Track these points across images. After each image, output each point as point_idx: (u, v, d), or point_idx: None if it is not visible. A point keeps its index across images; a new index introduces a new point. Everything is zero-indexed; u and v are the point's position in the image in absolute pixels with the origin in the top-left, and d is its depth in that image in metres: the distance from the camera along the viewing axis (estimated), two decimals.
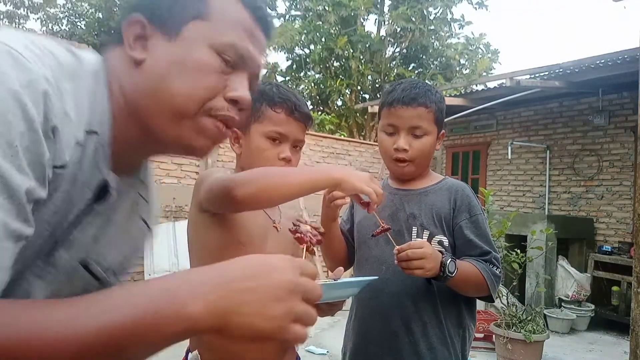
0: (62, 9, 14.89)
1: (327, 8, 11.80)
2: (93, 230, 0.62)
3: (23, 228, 0.47)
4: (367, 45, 12.20)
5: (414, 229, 1.36)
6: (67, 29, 14.73)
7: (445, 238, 1.34)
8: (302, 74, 13.20)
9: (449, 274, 1.21)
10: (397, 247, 1.21)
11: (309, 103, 14.25)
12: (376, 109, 2.26)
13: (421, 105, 1.32)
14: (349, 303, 1.44)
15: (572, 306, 5.56)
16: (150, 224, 0.76)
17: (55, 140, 0.51)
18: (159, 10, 0.62)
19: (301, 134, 1.23)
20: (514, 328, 4.07)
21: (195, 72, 0.60)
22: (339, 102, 12.95)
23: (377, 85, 12.46)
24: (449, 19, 12.35)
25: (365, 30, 12.51)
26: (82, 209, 0.59)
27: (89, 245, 0.63)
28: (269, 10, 0.67)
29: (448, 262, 1.21)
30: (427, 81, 12.54)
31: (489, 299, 1.35)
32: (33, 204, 0.49)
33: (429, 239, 1.34)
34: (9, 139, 0.45)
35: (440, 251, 1.28)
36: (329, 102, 12.75)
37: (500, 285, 1.39)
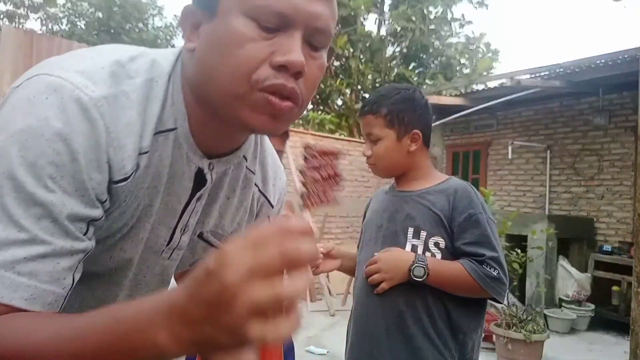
0: (62, 9, 14.90)
1: None
2: (203, 210, 0.71)
3: (75, 244, 0.54)
4: (367, 45, 12.20)
5: (410, 230, 1.37)
6: (67, 29, 14.74)
7: (441, 240, 1.34)
8: None
9: (416, 279, 1.29)
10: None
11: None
12: None
13: (368, 114, 1.42)
14: (349, 303, 1.47)
15: (573, 306, 5.56)
16: (269, 194, 0.80)
17: (112, 159, 0.56)
18: None
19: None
20: (514, 328, 4.07)
21: (231, 46, 0.55)
22: (339, 102, 12.96)
23: (377, 85, 12.45)
24: (449, 19, 12.35)
25: (366, 30, 12.50)
26: (188, 198, 0.68)
27: (202, 222, 0.72)
28: None
29: (413, 267, 1.29)
30: (427, 81, 12.53)
31: (495, 299, 1.34)
32: (89, 221, 0.56)
33: (426, 240, 1.35)
34: (51, 172, 0.52)
35: (434, 254, 1.34)
36: (329, 101, 12.75)
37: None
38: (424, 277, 1.29)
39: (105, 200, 0.58)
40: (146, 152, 0.60)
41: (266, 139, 0.80)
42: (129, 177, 0.59)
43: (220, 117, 0.61)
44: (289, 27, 0.55)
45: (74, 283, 0.56)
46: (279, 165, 0.84)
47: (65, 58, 0.60)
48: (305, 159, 0.79)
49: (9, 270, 0.50)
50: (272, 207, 0.83)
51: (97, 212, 0.57)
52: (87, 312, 0.51)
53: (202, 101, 0.62)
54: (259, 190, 0.79)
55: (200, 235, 0.75)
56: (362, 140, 1.46)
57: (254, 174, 0.77)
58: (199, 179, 0.67)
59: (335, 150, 0.77)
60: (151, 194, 0.64)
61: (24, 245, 0.50)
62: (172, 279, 0.82)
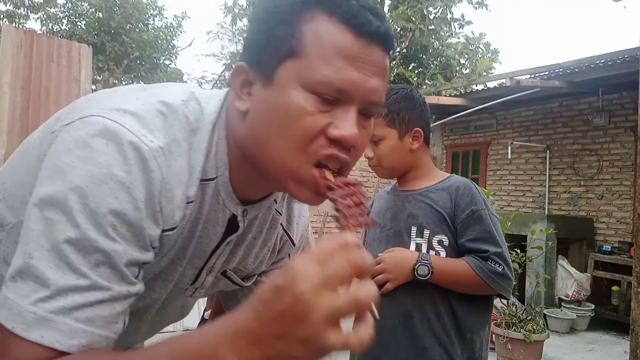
0: (62, 9, 14.90)
1: None
2: (231, 251, 0.73)
3: (130, 288, 0.55)
4: None
5: (413, 229, 1.38)
6: (67, 29, 14.74)
7: (445, 237, 1.34)
8: None
9: (421, 277, 1.29)
10: None
11: None
12: None
13: None
14: None
15: (572, 306, 5.56)
16: (292, 233, 0.82)
17: (164, 209, 0.57)
18: (257, 55, 0.59)
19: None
20: (513, 328, 4.07)
21: (288, 118, 0.56)
22: None
23: None
24: (449, 19, 12.34)
25: None
26: (218, 242, 0.69)
27: (227, 262, 0.74)
28: (380, 19, 0.57)
29: (417, 266, 1.29)
30: (427, 81, 12.53)
31: (502, 296, 1.34)
32: (140, 265, 0.57)
33: (429, 238, 1.35)
34: (112, 220, 0.52)
35: (438, 252, 1.33)
36: None
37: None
38: (429, 276, 1.29)
39: (156, 247, 0.59)
40: (192, 202, 0.61)
41: None
42: (177, 226, 0.60)
43: (266, 176, 0.62)
44: (346, 102, 0.57)
45: (125, 327, 0.56)
46: (304, 205, 0.83)
47: (113, 96, 0.59)
48: (330, 188, 0.80)
49: (67, 316, 0.50)
50: (294, 245, 0.83)
51: (150, 257, 0.58)
52: (114, 347, 0.53)
53: (251, 160, 0.62)
54: (284, 229, 0.80)
55: (224, 273, 0.76)
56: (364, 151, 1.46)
57: (281, 214, 0.78)
58: (231, 225, 0.68)
59: (356, 182, 0.80)
60: (186, 238, 0.64)
61: (83, 292, 0.50)
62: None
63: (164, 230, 0.58)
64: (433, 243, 1.35)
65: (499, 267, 1.29)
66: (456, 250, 1.34)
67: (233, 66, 0.62)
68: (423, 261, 1.30)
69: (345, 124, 0.56)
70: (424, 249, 1.35)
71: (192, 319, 2.33)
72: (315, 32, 0.56)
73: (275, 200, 0.74)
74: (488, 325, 1.41)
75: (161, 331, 0.82)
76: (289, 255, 0.84)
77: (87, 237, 0.51)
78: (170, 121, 0.58)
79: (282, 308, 0.40)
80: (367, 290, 0.41)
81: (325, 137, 0.56)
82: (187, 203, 0.60)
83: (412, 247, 1.36)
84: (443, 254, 1.34)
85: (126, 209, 0.53)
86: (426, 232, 1.36)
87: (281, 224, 0.79)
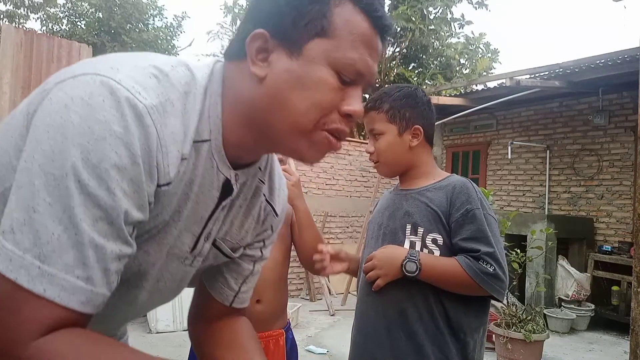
0: (62, 9, 14.90)
1: None
2: (222, 219, 0.75)
3: (123, 248, 0.56)
4: None
5: (408, 227, 1.38)
6: (67, 29, 14.74)
7: (439, 236, 1.34)
8: None
9: (409, 274, 1.30)
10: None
11: None
12: None
13: (371, 110, 1.46)
14: (349, 303, 1.48)
15: (572, 306, 5.56)
16: (275, 204, 0.84)
17: (160, 164, 0.59)
18: (283, 26, 0.63)
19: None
20: (513, 328, 4.07)
21: (314, 91, 0.62)
22: None
23: (377, 85, 12.46)
24: (449, 19, 12.33)
25: None
26: (214, 207, 0.71)
27: (218, 230, 0.76)
28: (387, 15, 0.66)
29: (405, 262, 1.30)
30: (427, 81, 12.51)
31: (494, 297, 1.32)
32: (135, 224, 0.58)
33: (423, 236, 1.36)
34: (113, 174, 0.53)
35: (432, 251, 1.35)
36: None
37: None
38: (417, 273, 1.29)
39: (151, 203, 0.60)
40: (185, 159, 0.63)
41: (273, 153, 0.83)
42: (172, 182, 0.62)
43: (270, 141, 0.67)
44: (358, 82, 0.65)
45: (117, 283, 0.58)
46: (283, 177, 0.88)
47: (105, 60, 0.60)
48: None
49: (69, 273, 0.51)
50: (277, 216, 0.86)
51: (145, 215, 0.59)
52: (109, 314, 0.55)
53: (256, 124, 0.66)
54: (266, 199, 0.82)
55: (213, 243, 0.77)
56: (362, 140, 1.47)
57: (264, 183, 0.81)
58: (225, 189, 0.71)
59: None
60: (181, 200, 0.66)
61: (83, 249, 0.52)
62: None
63: (159, 186, 0.60)
64: (427, 241, 1.35)
65: (490, 267, 1.27)
66: (451, 250, 1.34)
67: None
68: (411, 258, 1.30)
69: (356, 101, 0.65)
70: (417, 246, 1.35)
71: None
72: (344, 18, 0.62)
73: (260, 168, 0.78)
74: (484, 327, 1.40)
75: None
76: (272, 226, 0.86)
77: (89, 192, 0.52)
78: (163, 83, 0.60)
79: None
80: None
81: (339, 112, 0.64)
82: (182, 160, 0.62)
83: (407, 244, 1.37)
84: (437, 252, 1.34)
85: (126, 164, 0.54)
86: (420, 230, 1.36)
87: (264, 194, 0.81)
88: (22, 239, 0.50)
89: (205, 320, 0.87)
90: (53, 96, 0.55)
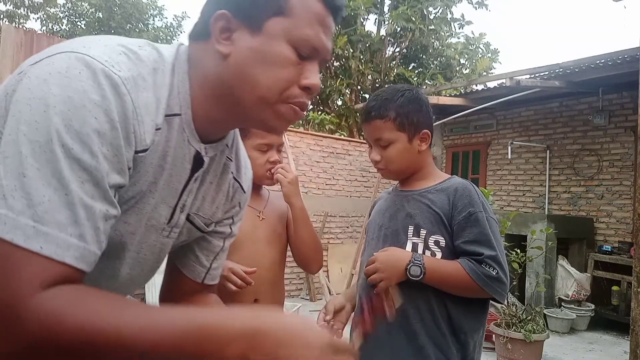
0: (62, 9, 14.90)
1: None
2: (195, 192, 0.79)
3: (110, 209, 0.59)
4: (367, 45, 12.19)
5: (410, 228, 1.37)
6: (67, 29, 14.74)
7: (442, 238, 1.34)
8: None
9: (413, 278, 1.29)
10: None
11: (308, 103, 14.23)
12: None
13: (376, 119, 1.40)
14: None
15: (572, 306, 5.56)
16: (242, 181, 0.89)
17: (137, 131, 0.62)
18: (244, 7, 0.68)
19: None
20: (513, 328, 4.07)
21: (276, 65, 0.67)
22: (339, 102, 12.95)
23: (377, 85, 12.46)
24: (449, 19, 12.33)
25: (366, 30, 12.50)
26: (187, 179, 0.75)
27: (191, 204, 0.79)
28: None
29: (410, 267, 1.29)
30: (427, 81, 12.49)
31: (495, 299, 1.33)
32: (116, 189, 0.61)
33: (426, 238, 1.35)
34: (95, 139, 0.56)
35: (435, 253, 1.34)
36: (329, 101, 12.75)
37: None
38: (421, 277, 1.29)
39: (130, 168, 0.63)
40: (159, 129, 0.67)
41: (237, 131, 0.88)
42: (148, 149, 0.65)
43: (238, 114, 0.72)
44: (314, 58, 0.70)
45: (105, 245, 0.61)
46: (247, 157, 0.94)
47: (77, 41, 0.64)
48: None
49: (63, 231, 0.54)
50: (244, 192, 0.91)
51: (125, 180, 0.62)
52: (113, 290, 0.59)
53: (224, 98, 0.71)
54: (234, 176, 0.87)
55: (187, 217, 0.81)
56: (362, 141, 1.45)
57: (232, 161, 0.86)
58: (197, 162, 0.75)
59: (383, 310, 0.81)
60: (156, 172, 0.69)
61: (73, 209, 0.55)
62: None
63: (136, 152, 0.63)
64: (429, 243, 1.35)
65: (493, 270, 1.28)
66: (453, 252, 1.34)
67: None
68: (416, 262, 1.29)
69: (313, 75, 0.70)
70: (420, 248, 1.35)
71: None
72: None
73: (227, 145, 0.82)
74: (483, 328, 1.40)
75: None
76: (239, 203, 0.91)
77: (74, 155, 0.55)
78: (133, 59, 0.64)
79: (299, 345, 0.56)
80: None
81: (298, 86, 0.69)
82: (156, 130, 0.66)
83: (409, 246, 1.36)
84: (439, 254, 1.34)
85: (105, 130, 0.58)
86: (423, 232, 1.35)
87: (232, 172, 0.86)
88: (14, 203, 0.52)
89: (178, 298, 0.89)
90: (31, 74, 0.58)
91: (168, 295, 0.92)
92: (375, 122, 1.39)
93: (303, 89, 0.70)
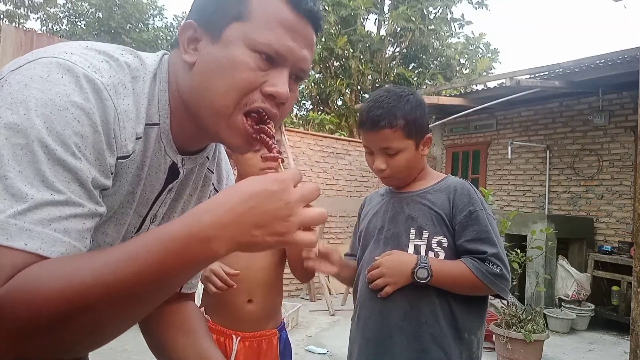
0: (62, 9, 14.90)
1: (327, 8, 11.81)
2: (169, 203, 0.77)
3: (97, 207, 0.59)
4: (367, 45, 12.20)
5: (412, 231, 1.37)
6: (67, 29, 14.74)
7: (444, 238, 1.34)
8: None
9: (420, 281, 1.28)
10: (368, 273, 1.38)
11: (308, 103, 14.26)
12: None
13: (385, 128, 1.34)
14: (349, 303, 1.48)
15: (572, 306, 5.56)
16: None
17: (118, 137, 0.62)
18: (206, 14, 0.67)
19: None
20: (513, 328, 4.07)
21: (231, 70, 0.64)
22: (339, 102, 12.96)
23: (377, 85, 12.46)
24: (449, 19, 12.34)
25: (366, 30, 12.51)
26: (161, 189, 0.73)
27: (167, 217, 0.78)
28: (313, 1, 0.68)
29: (417, 270, 1.28)
30: (427, 81, 12.49)
31: (499, 296, 1.33)
32: (100, 190, 0.60)
33: (429, 240, 1.35)
34: (77, 141, 0.56)
35: (438, 253, 1.33)
36: (329, 101, 12.75)
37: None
38: (428, 279, 1.28)
39: (112, 174, 0.63)
40: (140, 138, 0.66)
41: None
42: (129, 155, 0.65)
43: (202, 126, 0.70)
44: (281, 65, 0.66)
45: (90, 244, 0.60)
46: (230, 167, 0.92)
47: (58, 47, 0.63)
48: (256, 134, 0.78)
49: (46, 227, 0.53)
50: None
51: (109, 182, 0.62)
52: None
53: (190, 109, 0.69)
54: (214, 188, 0.87)
55: None
56: (375, 164, 1.40)
57: (213, 173, 0.85)
58: (172, 173, 0.74)
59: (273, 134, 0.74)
60: (134, 181, 0.69)
61: (58, 206, 0.54)
62: None
63: (118, 158, 0.63)
64: (432, 244, 1.34)
65: (496, 268, 1.28)
66: (455, 251, 1.34)
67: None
68: (422, 264, 1.29)
69: (279, 82, 0.66)
70: (422, 250, 1.34)
71: None
72: (260, 2, 0.65)
73: (207, 158, 0.81)
74: (484, 324, 1.41)
75: None
76: None
77: (57, 156, 0.54)
78: (114, 66, 0.64)
79: (272, 207, 0.53)
80: (322, 211, 0.57)
81: (260, 92, 0.66)
82: (137, 139, 0.65)
83: (411, 248, 1.35)
84: (442, 254, 1.34)
85: (88, 132, 0.57)
86: (425, 234, 1.35)
87: (213, 184, 0.86)
88: None
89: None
90: (11, 80, 0.57)
91: None
92: (384, 132, 1.34)
93: (267, 96, 0.66)
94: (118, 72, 0.63)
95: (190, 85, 0.68)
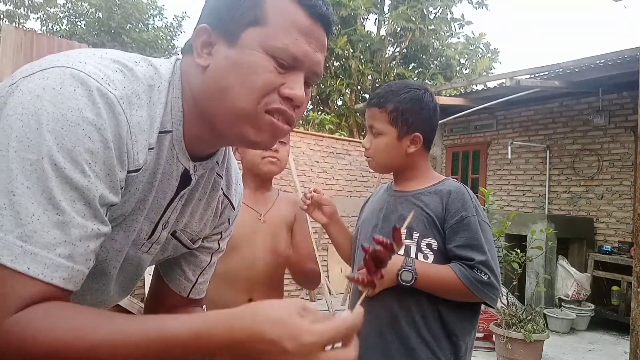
0: (62, 9, 14.90)
1: None
2: (180, 209, 0.78)
3: (101, 227, 0.59)
4: (367, 45, 12.21)
5: (403, 231, 1.36)
6: (67, 29, 14.74)
7: (434, 241, 1.33)
8: None
9: (404, 283, 1.28)
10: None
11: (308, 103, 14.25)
12: None
13: (374, 106, 1.42)
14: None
15: (572, 306, 5.56)
16: (232, 197, 0.88)
17: (130, 151, 0.62)
18: (221, 19, 0.67)
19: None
20: (513, 328, 4.07)
21: (250, 74, 0.65)
22: (339, 102, 12.96)
23: (377, 85, 12.47)
24: (449, 19, 12.35)
25: (366, 30, 12.51)
26: (173, 196, 0.73)
27: (177, 221, 0.78)
28: (326, 5, 0.69)
29: (401, 272, 1.28)
30: (427, 81, 12.51)
31: (487, 303, 1.32)
32: (108, 207, 0.61)
33: (419, 241, 1.34)
34: (87, 158, 0.56)
35: (427, 255, 1.33)
36: (329, 101, 12.76)
37: (501, 287, 1.33)
38: (412, 282, 1.28)
39: (122, 188, 0.63)
40: (152, 149, 0.66)
41: (229, 147, 0.86)
42: (140, 168, 0.65)
43: (218, 130, 0.70)
44: (297, 68, 0.67)
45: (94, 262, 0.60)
46: (239, 172, 0.92)
47: (73, 54, 0.63)
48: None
49: (51, 252, 0.53)
50: (234, 209, 0.90)
51: (117, 199, 0.62)
52: (101, 307, 0.57)
53: (205, 113, 0.69)
54: (224, 193, 0.86)
55: (173, 234, 0.80)
56: (362, 140, 1.45)
57: (222, 178, 0.85)
58: (184, 179, 0.74)
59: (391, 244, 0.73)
60: (145, 189, 0.69)
61: (64, 228, 0.54)
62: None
63: (129, 172, 0.63)
64: (422, 246, 1.33)
65: (484, 276, 1.27)
66: (445, 255, 1.33)
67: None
68: (407, 267, 1.28)
69: (296, 86, 0.67)
70: (412, 251, 1.34)
71: None
72: (275, 7, 0.66)
73: (217, 163, 0.81)
74: (474, 331, 1.40)
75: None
76: (229, 219, 0.90)
77: (65, 174, 0.54)
78: (128, 76, 0.64)
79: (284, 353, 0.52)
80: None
81: (278, 94, 0.67)
82: (149, 149, 0.66)
83: (400, 249, 1.35)
84: (431, 257, 1.33)
85: (99, 149, 0.57)
86: (415, 235, 1.34)
87: (222, 188, 0.85)
88: (2, 221, 0.52)
89: (163, 310, 0.89)
90: (23, 88, 0.57)
91: (153, 305, 0.91)
92: (373, 110, 1.42)
93: (284, 98, 0.67)
94: (132, 82, 0.63)
95: (203, 88, 0.68)
